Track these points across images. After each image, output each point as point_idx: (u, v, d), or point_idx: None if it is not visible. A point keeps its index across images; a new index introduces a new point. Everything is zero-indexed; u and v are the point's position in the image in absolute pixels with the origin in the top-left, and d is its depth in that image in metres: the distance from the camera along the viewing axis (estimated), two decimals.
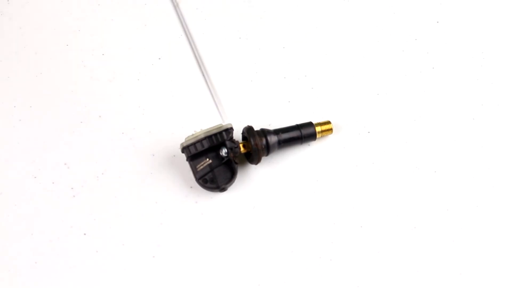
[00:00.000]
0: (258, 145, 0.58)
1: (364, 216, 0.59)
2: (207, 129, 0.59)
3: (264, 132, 0.59)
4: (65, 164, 0.61)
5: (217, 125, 0.59)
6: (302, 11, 0.72)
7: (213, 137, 0.58)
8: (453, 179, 0.61)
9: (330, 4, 0.73)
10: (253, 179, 0.61)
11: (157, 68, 0.68)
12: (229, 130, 0.59)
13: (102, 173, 0.61)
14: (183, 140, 0.59)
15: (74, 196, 0.60)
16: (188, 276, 0.56)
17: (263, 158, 0.61)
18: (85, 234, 0.58)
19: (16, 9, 0.72)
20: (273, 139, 0.59)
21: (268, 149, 0.59)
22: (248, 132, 0.59)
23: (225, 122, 0.61)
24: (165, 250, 0.57)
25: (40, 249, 0.57)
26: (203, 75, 0.55)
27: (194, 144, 0.58)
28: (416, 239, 0.58)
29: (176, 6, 0.50)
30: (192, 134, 0.59)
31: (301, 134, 0.61)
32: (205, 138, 0.58)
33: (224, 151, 0.58)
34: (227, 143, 0.58)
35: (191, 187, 0.60)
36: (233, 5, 0.73)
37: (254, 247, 0.57)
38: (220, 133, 0.58)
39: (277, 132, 0.60)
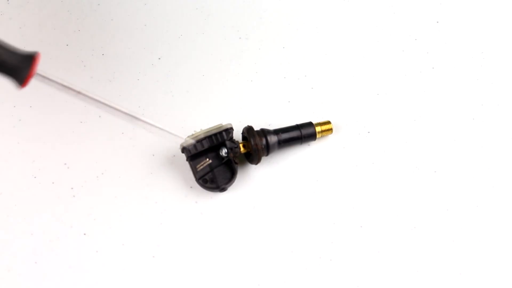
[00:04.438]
0: (258, 145, 0.58)
1: (364, 216, 0.59)
2: (207, 129, 0.59)
3: (264, 132, 0.59)
4: (65, 164, 0.61)
5: (217, 125, 0.59)
6: (302, 11, 0.72)
7: (213, 137, 0.58)
8: (453, 179, 0.61)
9: (330, 4, 0.73)
10: (253, 179, 0.61)
11: (157, 68, 0.68)
12: (229, 130, 0.59)
13: (102, 173, 0.61)
14: (183, 140, 0.59)
15: (74, 196, 0.60)
16: (188, 276, 0.56)
17: (263, 158, 0.61)
18: (85, 234, 0.58)
19: (16, 9, 0.72)
20: (273, 139, 0.59)
21: (268, 149, 0.59)
22: (248, 132, 0.59)
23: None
24: (165, 250, 0.57)
25: (40, 249, 0.57)
26: None
27: (194, 144, 0.58)
28: (416, 239, 0.58)
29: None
30: (192, 134, 0.59)
31: (301, 134, 0.61)
32: (205, 138, 0.58)
33: (224, 151, 0.58)
34: (227, 143, 0.58)
35: (191, 187, 0.60)
36: (233, 5, 0.73)
37: (254, 247, 0.57)
38: (220, 133, 0.58)
39: (277, 132, 0.60)
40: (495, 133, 0.64)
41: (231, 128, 0.59)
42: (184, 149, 0.59)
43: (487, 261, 0.57)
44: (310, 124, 0.62)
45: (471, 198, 0.60)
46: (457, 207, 0.60)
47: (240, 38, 0.70)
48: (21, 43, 0.69)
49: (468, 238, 0.58)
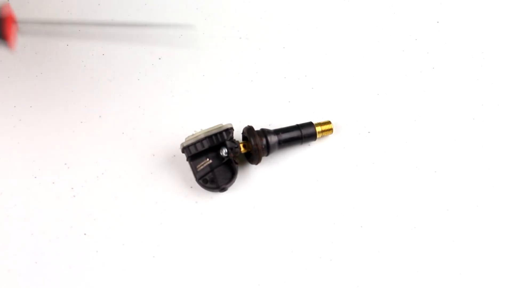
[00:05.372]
0: (258, 145, 0.58)
1: (364, 216, 0.59)
2: (207, 129, 0.59)
3: (264, 132, 0.59)
4: (65, 164, 0.61)
5: (217, 125, 0.59)
6: (302, 11, 0.72)
7: (213, 137, 0.58)
8: (453, 179, 0.61)
9: (330, 4, 0.73)
10: (253, 179, 0.61)
11: (157, 68, 0.68)
12: (229, 130, 0.59)
13: (102, 173, 0.61)
14: (183, 140, 0.59)
15: (74, 196, 0.59)
16: (188, 276, 0.56)
17: (263, 158, 0.61)
18: (85, 234, 0.58)
19: (16, 9, 0.72)
20: (273, 139, 0.59)
21: (268, 149, 0.59)
22: (248, 132, 0.59)
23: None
24: (165, 250, 0.57)
25: (40, 249, 0.57)
26: None
27: (194, 144, 0.58)
28: (416, 239, 0.58)
29: None
30: (192, 134, 0.59)
31: (301, 134, 0.61)
32: (205, 138, 0.58)
33: (224, 151, 0.58)
34: (227, 143, 0.58)
35: (191, 187, 0.60)
36: (233, 5, 0.73)
37: (254, 247, 0.57)
38: (220, 133, 0.58)
39: (277, 132, 0.60)
40: (495, 133, 0.64)
41: (231, 128, 0.59)
42: (184, 149, 0.59)
43: (487, 261, 0.57)
44: (310, 124, 0.62)
45: (471, 198, 0.60)
46: (457, 207, 0.60)
47: (240, 38, 0.70)
48: (21, 43, 0.69)
49: (468, 238, 0.58)
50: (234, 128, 0.60)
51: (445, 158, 0.63)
